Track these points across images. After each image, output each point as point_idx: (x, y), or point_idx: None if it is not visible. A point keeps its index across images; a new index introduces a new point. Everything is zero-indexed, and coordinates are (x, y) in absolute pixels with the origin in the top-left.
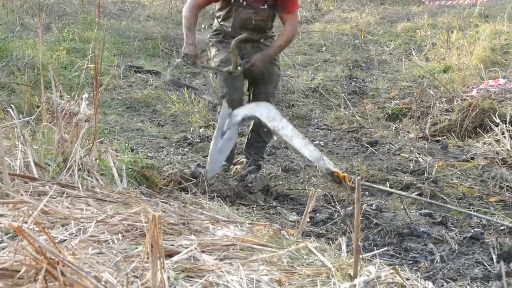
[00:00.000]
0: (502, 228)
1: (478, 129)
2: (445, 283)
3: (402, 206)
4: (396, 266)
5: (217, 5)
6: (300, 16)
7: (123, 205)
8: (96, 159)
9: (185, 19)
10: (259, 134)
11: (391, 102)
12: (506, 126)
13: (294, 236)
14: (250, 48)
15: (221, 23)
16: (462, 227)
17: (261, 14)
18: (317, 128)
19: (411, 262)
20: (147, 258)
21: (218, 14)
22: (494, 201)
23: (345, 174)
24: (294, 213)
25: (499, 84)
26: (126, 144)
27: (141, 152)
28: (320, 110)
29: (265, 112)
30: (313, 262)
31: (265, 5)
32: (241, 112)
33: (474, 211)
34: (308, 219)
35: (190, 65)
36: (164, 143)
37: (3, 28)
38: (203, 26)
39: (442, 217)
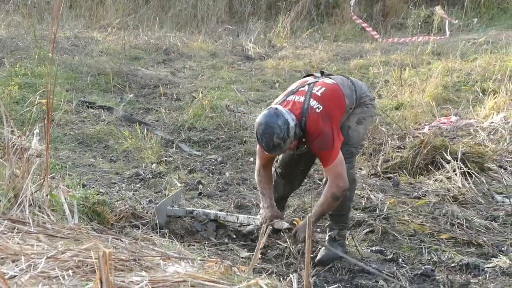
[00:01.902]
0: (452, 265)
1: (429, 166)
2: None
3: (353, 243)
4: None
5: None
6: (253, 53)
7: (74, 241)
8: (47, 195)
9: (258, 184)
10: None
11: None
12: (457, 164)
13: (246, 273)
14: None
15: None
16: (413, 264)
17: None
18: None
19: None
20: None
21: None
22: (445, 238)
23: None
24: (245, 249)
25: (451, 122)
26: (78, 180)
27: (93, 188)
28: None
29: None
30: None
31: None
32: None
33: (425, 248)
34: (259, 256)
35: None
36: (116, 179)
37: None
38: None
39: (393, 254)
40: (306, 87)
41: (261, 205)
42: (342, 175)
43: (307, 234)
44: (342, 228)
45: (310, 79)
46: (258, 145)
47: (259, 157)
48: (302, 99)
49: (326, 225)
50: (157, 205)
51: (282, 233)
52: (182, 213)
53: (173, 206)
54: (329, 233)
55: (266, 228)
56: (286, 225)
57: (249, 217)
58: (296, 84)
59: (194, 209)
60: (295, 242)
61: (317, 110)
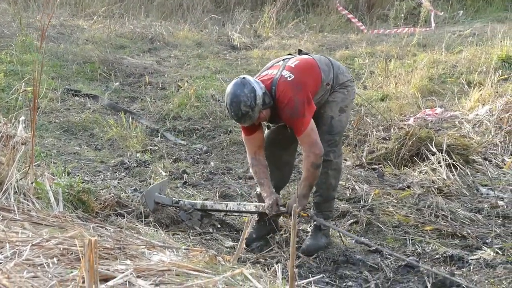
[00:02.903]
0: (437, 256)
1: (414, 157)
2: None
3: (338, 234)
4: None
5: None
6: (238, 42)
7: (59, 229)
8: (32, 183)
9: (254, 176)
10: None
11: None
12: (442, 155)
13: (230, 262)
14: None
15: None
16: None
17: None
18: None
19: None
20: (82, 283)
21: None
22: (430, 230)
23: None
24: (230, 239)
25: (436, 113)
26: (63, 168)
27: (78, 176)
28: None
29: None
30: None
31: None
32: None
33: (409, 239)
34: (244, 245)
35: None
36: (101, 167)
37: None
38: None
39: (377, 245)
40: (281, 62)
41: (263, 196)
42: (317, 142)
43: (292, 224)
44: (327, 217)
45: (286, 57)
46: (243, 134)
47: (246, 146)
48: (275, 71)
49: (310, 214)
50: (146, 190)
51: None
52: (169, 202)
53: (160, 194)
54: (314, 223)
55: (276, 213)
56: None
57: (239, 204)
58: (273, 61)
59: (180, 199)
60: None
61: (288, 79)
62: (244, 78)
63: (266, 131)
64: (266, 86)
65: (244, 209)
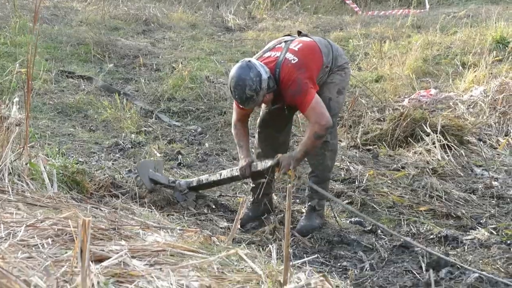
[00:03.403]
0: (431, 237)
1: (409, 138)
2: None
3: (332, 214)
4: (326, 274)
5: None
6: (233, 24)
7: (54, 210)
8: (26, 164)
9: (235, 137)
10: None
11: None
12: (436, 136)
13: (225, 243)
14: None
15: None
16: (392, 236)
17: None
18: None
19: (340, 269)
20: (77, 263)
21: None
22: (424, 210)
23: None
24: (224, 219)
25: (431, 94)
26: (57, 149)
27: (72, 157)
28: (252, 118)
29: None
30: (243, 268)
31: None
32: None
33: (404, 219)
34: (238, 226)
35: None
36: (95, 149)
37: None
38: None
39: (372, 226)
40: (283, 44)
41: (239, 156)
42: (323, 113)
43: (287, 205)
44: (321, 198)
45: (287, 38)
46: (235, 103)
47: (235, 112)
48: (278, 54)
49: (305, 194)
50: (139, 162)
51: (267, 174)
52: (165, 181)
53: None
54: (309, 203)
55: (249, 175)
56: (269, 162)
57: (232, 170)
58: (273, 42)
59: (176, 179)
60: (280, 174)
61: (292, 62)
62: (249, 61)
63: (261, 112)
64: (270, 69)
65: (236, 173)
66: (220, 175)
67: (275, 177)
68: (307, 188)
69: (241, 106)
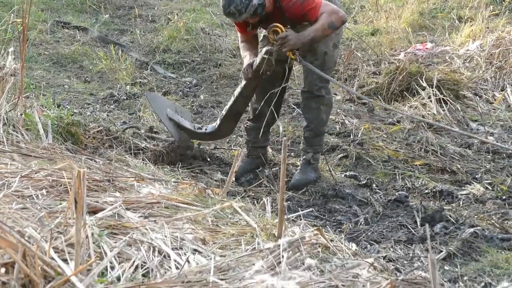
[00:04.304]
0: (426, 191)
1: (405, 92)
2: (368, 245)
3: (327, 168)
4: (320, 227)
5: None
6: None
7: (48, 161)
8: (21, 114)
9: (242, 52)
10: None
11: None
12: (432, 90)
13: (219, 196)
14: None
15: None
16: (387, 190)
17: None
18: None
19: (335, 223)
20: (71, 214)
21: None
22: (419, 164)
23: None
24: (219, 172)
25: (427, 48)
26: (52, 100)
27: (67, 108)
28: None
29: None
30: (237, 221)
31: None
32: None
33: (399, 174)
34: (233, 179)
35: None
36: (90, 100)
37: None
38: None
39: (367, 179)
40: None
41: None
42: (338, 9)
43: (282, 157)
44: (316, 151)
45: None
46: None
47: (238, 35)
48: None
49: (300, 148)
50: (148, 92)
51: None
52: (190, 127)
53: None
54: (304, 156)
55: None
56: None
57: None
58: None
59: (203, 126)
60: (282, 48)
61: None
62: None
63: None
64: None
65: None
66: (233, 96)
67: (273, 50)
68: (302, 141)
69: (239, 28)
